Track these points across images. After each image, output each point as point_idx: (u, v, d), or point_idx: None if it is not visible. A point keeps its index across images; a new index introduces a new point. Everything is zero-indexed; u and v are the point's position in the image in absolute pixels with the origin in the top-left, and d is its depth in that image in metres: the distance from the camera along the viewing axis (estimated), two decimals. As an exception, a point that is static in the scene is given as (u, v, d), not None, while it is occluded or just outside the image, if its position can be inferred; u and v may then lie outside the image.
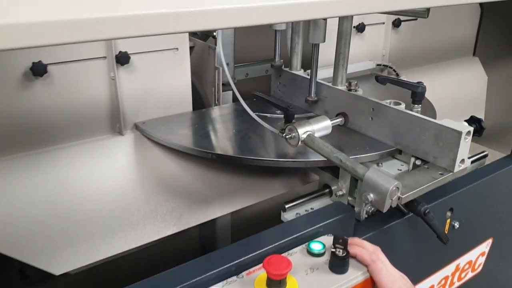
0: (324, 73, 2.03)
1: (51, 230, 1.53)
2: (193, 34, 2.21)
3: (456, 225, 1.77)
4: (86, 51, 1.63)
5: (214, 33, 2.04)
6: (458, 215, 1.77)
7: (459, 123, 1.53)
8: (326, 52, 1.94)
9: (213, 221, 2.07)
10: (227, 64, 1.95)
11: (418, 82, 1.67)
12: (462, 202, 1.77)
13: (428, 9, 1.51)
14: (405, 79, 1.72)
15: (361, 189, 1.42)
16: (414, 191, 1.44)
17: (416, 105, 1.67)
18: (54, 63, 1.58)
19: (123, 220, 1.63)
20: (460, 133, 1.48)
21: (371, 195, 1.37)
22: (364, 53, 2.51)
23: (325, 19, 1.72)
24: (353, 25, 1.87)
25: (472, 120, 1.80)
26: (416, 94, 1.65)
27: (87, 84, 1.67)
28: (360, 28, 2.41)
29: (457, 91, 2.87)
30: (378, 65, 2.53)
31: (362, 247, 1.26)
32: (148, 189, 1.71)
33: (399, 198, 1.39)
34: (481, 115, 2.96)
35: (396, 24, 2.56)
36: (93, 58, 1.66)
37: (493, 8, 3.02)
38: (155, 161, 1.76)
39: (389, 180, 1.35)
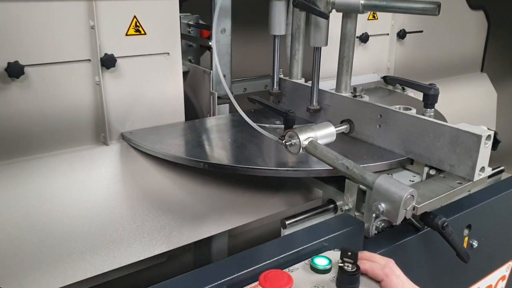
0: (324, 85, 1.90)
1: (23, 248, 1.39)
2: (187, 59, 2.15)
3: (475, 244, 1.61)
4: (69, 53, 1.52)
5: (210, 43, 1.93)
6: (477, 233, 1.61)
7: (477, 127, 1.38)
8: (326, 62, 1.83)
9: (208, 243, 1.92)
10: (224, 76, 1.83)
11: (430, 84, 1.54)
12: (481, 218, 1.62)
13: (438, 5, 1.39)
14: (416, 81, 1.57)
15: (370, 200, 1.27)
16: (431, 200, 1.28)
17: (428, 109, 1.53)
18: (33, 65, 1.47)
19: (106, 237, 1.49)
20: (479, 137, 1.34)
21: (383, 204, 1.22)
22: (368, 65, 2.40)
23: (327, 18, 1.59)
24: (356, 34, 1.75)
25: (485, 133, 1.65)
26: (429, 96, 1.52)
27: (69, 89, 1.55)
28: (364, 38, 2.30)
29: (466, 107, 2.74)
30: (383, 77, 2.40)
31: (373, 261, 1.10)
32: (134, 204, 1.58)
33: (414, 208, 1.24)
34: (491, 134, 2.81)
35: (401, 35, 2.45)
36: (76, 61, 1.54)
37: (500, 22, 2.93)
38: (143, 173, 1.64)
39: (403, 187, 1.19)
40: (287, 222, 1.43)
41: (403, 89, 2.42)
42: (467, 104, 2.79)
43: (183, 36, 1.92)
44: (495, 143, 1.65)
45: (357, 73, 2.27)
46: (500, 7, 2.87)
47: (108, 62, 1.57)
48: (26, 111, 1.49)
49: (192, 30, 2.14)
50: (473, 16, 2.83)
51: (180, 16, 1.72)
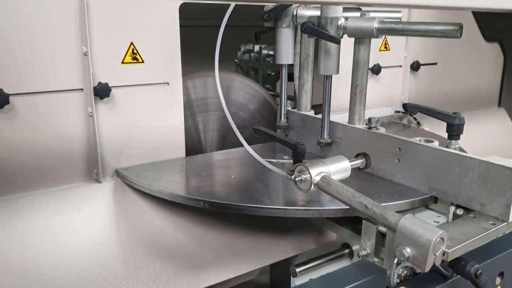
0: (334, 118, 1.78)
1: (0, 299, 1.27)
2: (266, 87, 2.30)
3: (509, 294, 1.43)
4: (59, 81, 1.42)
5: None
6: (511, 282, 1.43)
7: (511, 160, 1.24)
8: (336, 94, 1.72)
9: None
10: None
11: (454, 113, 1.41)
12: (515, 264, 1.44)
13: (460, 27, 1.27)
14: (439, 110, 1.45)
15: (391, 244, 1.11)
16: (463, 244, 1.13)
17: (453, 141, 1.39)
18: (19, 94, 1.37)
19: (95, 286, 1.36)
20: (514, 171, 1.19)
21: (408, 249, 1.08)
22: (381, 98, 2.29)
23: (338, 43, 1.48)
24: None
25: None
26: (453, 126, 1.39)
27: (59, 121, 1.45)
28: (376, 70, 2.20)
29: (484, 143, 2.61)
30: (396, 112, 2.30)
31: None
32: (127, 248, 1.45)
33: (444, 253, 1.09)
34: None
35: (415, 67, 2.35)
36: (67, 90, 1.45)
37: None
38: (138, 213, 1.52)
39: (431, 228, 1.05)
40: (297, 270, 1.31)
41: (418, 123, 2.30)
42: (486, 140, 2.66)
43: (262, 65, 2.29)
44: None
45: (369, 107, 2.16)
46: (516, 39, 2.79)
47: (102, 91, 1.48)
48: (11, 144, 1.39)
49: (271, 59, 2.32)
50: (489, 48, 2.76)
51: (260, 47, 1.89)
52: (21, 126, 1.38)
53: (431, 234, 1.04)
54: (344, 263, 1.39)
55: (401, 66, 2.34)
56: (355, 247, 1.39)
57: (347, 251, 1.40)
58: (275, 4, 1.66)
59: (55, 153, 1.46)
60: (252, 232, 1.59)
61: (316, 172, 1.28)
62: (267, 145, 1.85)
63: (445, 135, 1.54)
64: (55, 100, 1.42)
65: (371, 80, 2.22)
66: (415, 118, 2.32)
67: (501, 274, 1.42)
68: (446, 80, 2.59)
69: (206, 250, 1.52)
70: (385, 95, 2.30)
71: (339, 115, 1.82)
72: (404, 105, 1.55)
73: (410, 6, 1.61)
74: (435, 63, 2.46)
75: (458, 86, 2.66)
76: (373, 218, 1.17)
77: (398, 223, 1.09)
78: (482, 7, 1.09)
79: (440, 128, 1.72)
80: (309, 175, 1.27)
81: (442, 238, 1.06)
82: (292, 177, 1.30)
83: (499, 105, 2.95)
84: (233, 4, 1.58)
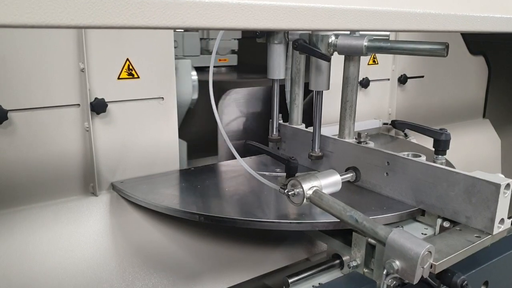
0: (325, 131, 1.81)
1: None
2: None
3: (493, 302, 1.47)
4: (56, 97, 1.43)
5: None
6: (495, 291, 1.48)
7: (495, 175, 1.29)
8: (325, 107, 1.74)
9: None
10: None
11: (441, 129, 1.45)
12: (499, 274, 1.49)
13: (446, 46, 1.32)
14: (426, 126, 1.49)
15: (381, 255, 1.15)
16: (449, 257, 1.17)
17: (439, 156, 1.43)
18: (17, 110, 1.38)
19: None
20: (498, 186, 1.24)
21: (397, 262, 1.11)
22: (369, 110, 2.33)
23: (329, 61, 1.52)
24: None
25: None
26: (440, 142, 1.43)
27: (56, 135, 1.46)
28: (364, 83, 2.23)
29: (470, 155, 2.66)
30: (384, 124, 2.33)
31: None
32: (124, 260, 1.46)
33: (431, 265, 1.12)
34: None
35: (402, 80, 2.40)
36: (64, 105, 1.46)
37: (501, 68, 2.90)
38: (134, 226, 1.53)
39: (419, 242, 1.08)
40: (290, 281, 1.32)
41: (406, 135, 2.34)
42: (471, 151, 2.71)
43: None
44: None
45: (358, 119, 2.19)
46: (500, 52, 2.85)
47: (99, 107, 1.49)
48: (9, 159, 1.39)
49: None
50: (474, 61, 2.81)
51: None
52: (19, 141, 1.39)
53: (419, 248, 1.07)
54: (335, 274, 1.41)
55: (389, 79, 2.37)
56: (345, 258, 1.41)
57: (337, 261, 1.42)
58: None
59: (52, 167, 1.46)
60: (245, 243, 1.61)
61: (309, 186, 1.31)
62: (259, 157, 1.87)
63: (431, 146, 1.58)
64: (52, 116, 1.43)
65: (360, 93, 2.25)
66: (402, 130, 2.36)
67: (486, 283, 1.45)
68: (433, 93, 2.62)
69: (200, 262, 1.54)
70: (373, 107, 2.34)
71: (328, 128, 1.85)
72: (393, 122, 1.58)
73: (394, 30, 1.64)
74: (422, 76, 2.50)
75: (444, 98, 2.70)
76: (363, 232, 1.20)
77: (388, 237, 1.13)
78: (466, 30, 1.14)
79: (426, 140, 1.76)
80: (301, 189, 1.30)
81: (430, 252, 1.09)
82: (285, 191, 1.33)
83: (483, 116, 3.00)
84: (221, 32, 1.61)
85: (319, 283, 1.37)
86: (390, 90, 2.40)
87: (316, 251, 1.67)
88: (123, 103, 1.55)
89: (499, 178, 1.27)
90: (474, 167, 2.62)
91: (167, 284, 1.46)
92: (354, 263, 1.33)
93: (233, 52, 2.97)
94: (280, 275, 1.57)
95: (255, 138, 1.79)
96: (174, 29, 0.72)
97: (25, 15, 0.56)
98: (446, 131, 1.44)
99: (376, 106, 2.35)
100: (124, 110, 1.56)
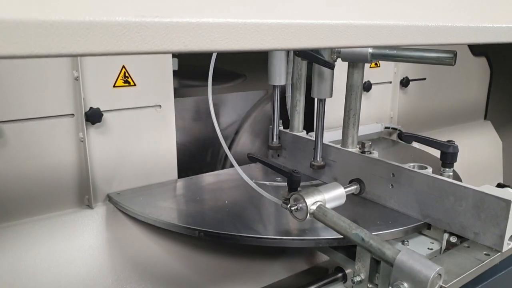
0: (328, 136, 1.76)
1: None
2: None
3: (500, 318, 1.44)
4: (50, 107, 1.38)
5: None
6: (501, 305, 1.44)
7: (504, 190, 1.24)
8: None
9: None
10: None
11: (448, 141, 1.41)
12: (505, 288, 1.45)
13: (455, 54, 1.27)
14: (433, 138, 1.44)
15: (390, 274, 1.11)
16: (459, 278, 1.13)
17: (447, 169, 1.39)
18: (9, 121, 1.32)
19: None
20: (508, 202, 1.20)
21: (405, 284, 1.07)
22: (371, 114, 2.28)
23: (332, 68, 1.47)
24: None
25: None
26: (447, 155, 1.38)
27: (50, 147, 1.41)
28: (366, 87, 2.18)
29: (471, 156, 2.62)
30: (386, 127, 2.29)
31: None
32: (121, 276, 1.41)
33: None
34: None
35: (404, 83, 2.35)
36: (57, 116, 1.40)
37: (503, 69, 2.86)
38: (131, 240, 1.48)
39: (428, 264, 1.04)
40: None
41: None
42: (473, 153, 2.67)
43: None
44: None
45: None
46: (502, 53, 2.81)
47: (94, 117, 1.44)
48: (0, 172, 1.34)
49: None
50: (476, 62, 2.76)
51: None
52: (11, 153, 1.34)
53: (428, 270, 1.03)
54: (337, 287, 1.38)
55: (391, 82, 2.33)
56: (348, 271, 1.37)
57: (340, 275, 1.38)
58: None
59: (46, 179, 1.41)
60: (245, 254, 1.56)
61: (312, 201, 1.27)
62: (258, 165, 1.82)
63: (433, 151, 1.52)
64: (45, 126, 1.37)
65: (362, 97, 2.21)
66: (409, 143, 2.31)
67: (492, 298, 1.42)
68: (435, 95, 2.58)
69: (200, 276, 1.49)
70: (375, 111, 2.29)
71: (329, 133, 1.81)
72: (400, 135, 1.54)
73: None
74: (424, 79, 2.46)
75: (445, 100, 2.65)
76: (370, 251, 1.16)
77: (396, 258, 1.09)
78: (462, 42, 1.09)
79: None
80: (305, 204, 1.26)
81: (440, 274, 1.06)
82: (288, 206, 1.29)
83: (485, 118, 2.96)
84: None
85: (325, 301, 1.33)
86: (392, 93, 2.35)
87: (317, 262, 1.63)
88: (119, 111, 1.50)
89: (510, 194, 1.23)
90: (476, 169, 2.60)
91: (166, 300, 1.41)
92: (358, 278, 1.28)
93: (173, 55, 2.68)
94: (280, 287, 1.53)
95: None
96: (176, 53, 0.67)
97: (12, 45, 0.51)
98: (454, 143, 1.39)
99: (377, 109, 2.30)
100: (120, 119, 1.51)
